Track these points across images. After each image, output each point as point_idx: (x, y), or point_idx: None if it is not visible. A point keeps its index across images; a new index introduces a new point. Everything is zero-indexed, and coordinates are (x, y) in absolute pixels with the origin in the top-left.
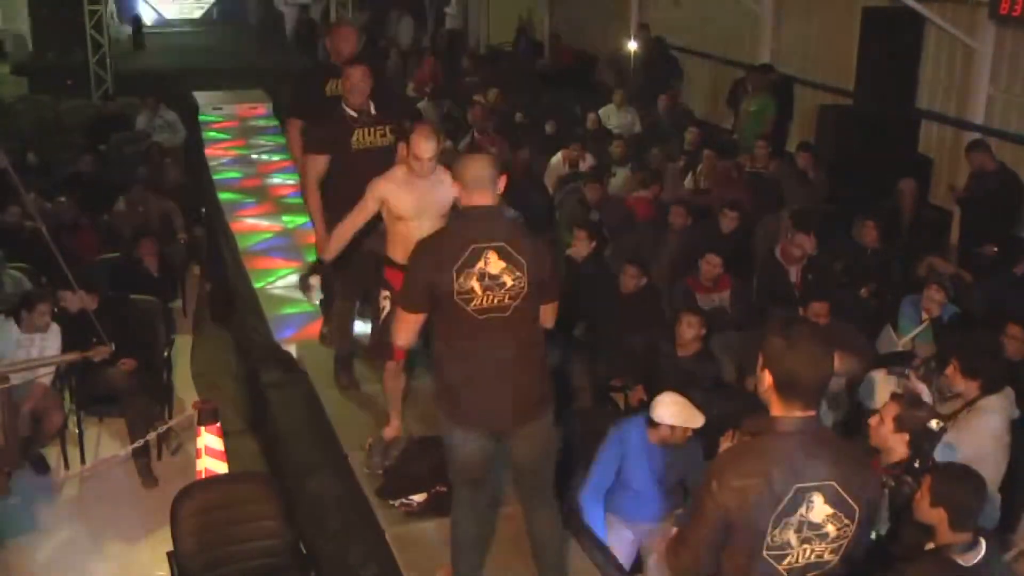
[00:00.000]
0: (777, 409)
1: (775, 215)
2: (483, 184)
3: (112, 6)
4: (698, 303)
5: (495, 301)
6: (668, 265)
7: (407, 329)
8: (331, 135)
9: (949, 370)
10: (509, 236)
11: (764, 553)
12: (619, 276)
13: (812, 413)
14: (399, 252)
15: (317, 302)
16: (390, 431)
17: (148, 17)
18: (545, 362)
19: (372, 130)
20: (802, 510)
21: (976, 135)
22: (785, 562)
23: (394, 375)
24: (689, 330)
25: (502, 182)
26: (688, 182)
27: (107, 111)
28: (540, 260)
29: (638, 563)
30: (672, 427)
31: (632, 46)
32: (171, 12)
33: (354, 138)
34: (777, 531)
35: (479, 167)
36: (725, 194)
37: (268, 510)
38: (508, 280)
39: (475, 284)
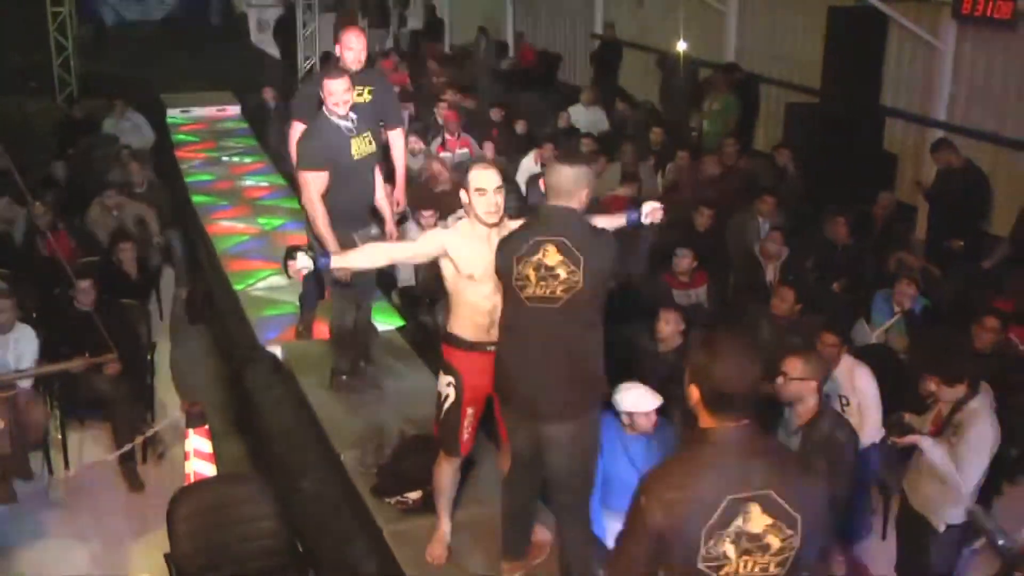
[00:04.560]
0: (707, 421)
1: (747, 211)
2: (567, 192)
3: (71, 7)
4: (675, 299)
5: (547, 292)
6: (644, 262)
7: None
8: (331, 149)
9: (932, 387)
10: (573, 233)
11: (699, 565)
12: None
13: (746, 421)
14: (465, 323)
15: (294, 273)
16: (437, 546)
17: (108, 18)
18: (593, 365)
19: (363, 139)
20: (738, 522)
21: (939, 132)
22: (722, 572)
23: (451, 470)
24: (667, 326)
25: (584, 195)
26: (658, 180)
27: (74, 114)
28: (600, 257)
29: None
30: (629, 414)
31: (682, 46)
32: (132, 13)
33: (353, 149)
34: (712, 543)
35: (566, 179)
36: (696, 192)
37: (264, 511)
38: (562, 273)
39: (531, 272)
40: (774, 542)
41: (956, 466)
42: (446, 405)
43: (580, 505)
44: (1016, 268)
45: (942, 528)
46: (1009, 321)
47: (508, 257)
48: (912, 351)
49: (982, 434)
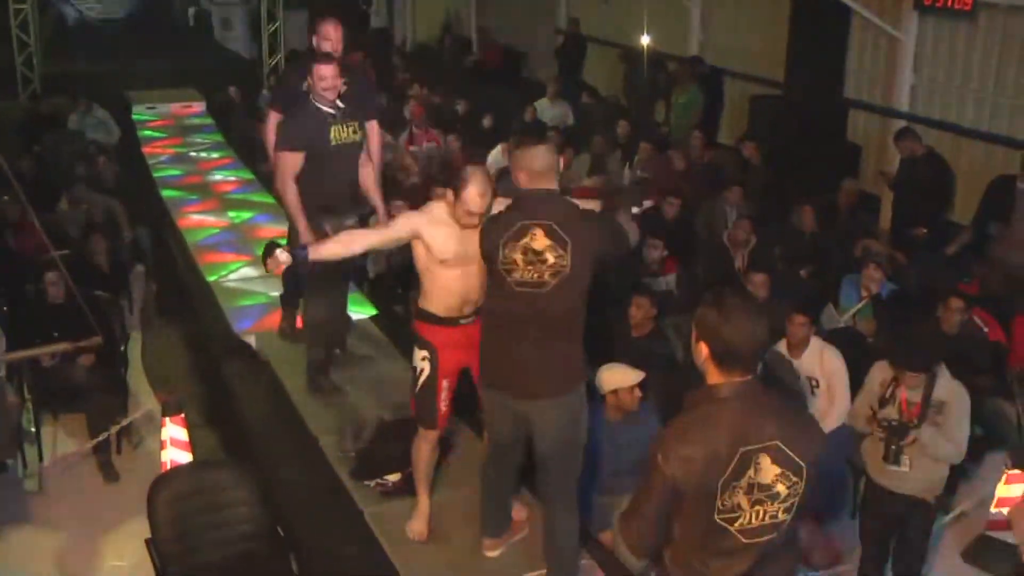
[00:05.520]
0: (715, 378)
1: (715, 201)
2: (547, 172)
3: (34, 4)
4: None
5: (535, 276)
6: None
7: None
8: (308, 131)
9: (911, 382)
10: (561, 217)
11: (715, 517)
12: None
13: (750, 377)
14: (437, 303)
15: (273, 268)
16: (419, 522)
17: (70, 16)
18: (576, 347)
19: (345, 126)
20: (750, 473)
21: (902, 123)
22: (737, 524)
23: (429, 446)
24: (639, 311)
25: (563, 161)
26: (625, 172)
27: (40, 112)
28: (587, 239)
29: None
30: (615, 392)
31: (645, 41)
32: (93, 11)
33: (332, 134)
34: (727, 495)
35: (545, 158)
36: (666, 183)
37: (243, 496)
38: (551, 257)
39: (518, 256)
40: (782, 490)
41: (950, 439)
42: (422, 379)
43: (567, 486)
44: (978, 254)
45: (932, 501)
46: (973, 304)
47: (494, 241)
48: (879, 335)
49: (963, 402)
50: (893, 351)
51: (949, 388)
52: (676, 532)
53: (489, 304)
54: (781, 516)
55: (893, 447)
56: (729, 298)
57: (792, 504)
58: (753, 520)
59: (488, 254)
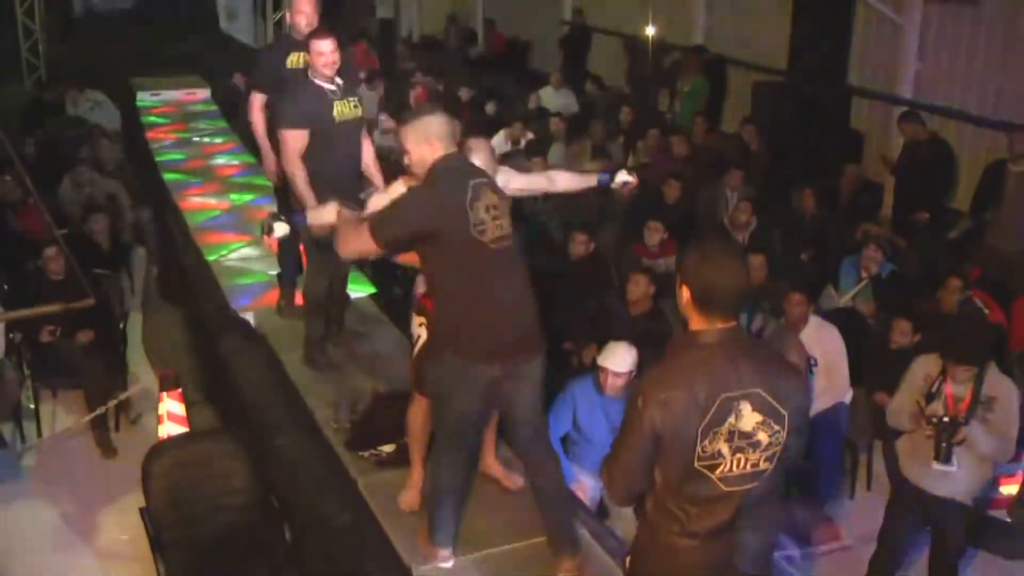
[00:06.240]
0: (697, 323)
1: (716, 184)
2: (453, 136)
3: None
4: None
5: (502, 231)
6: (616, 234)
7: (360, 251)
8: (311, 109)
9: (962, 375)
10: (487, 171)
11: (696, 464)
12: (568, 243)
13: (732, 323)
14: None
15: (271, 235)
16: (411, 493)
17: (77, 7)
18: None
19: (347, 102)
20: (731, 419)
21: (906, 109)
22: (718, 471)
23: (425, 414)
24: (637, 288)
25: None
26: (629, 159)
27: (45, 98)
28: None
29: (601, 510)
30: (615, 373)
31: (650, 31)
32: (99, 1)
33: (336, 111)
34: (707, 441)
35: (447, 122)
36: (666, 166)
37: (238, 466)
38: (503, 209)
39: (484, 215)
40: (763, 438)
41: (999, 436)
42: (418, 345)
43: (546, 433)
44: (978, 239)
45: (970, 503)
46: (973, 285)
47: (458, 210)
48: (879, 316)
49: (1013, 398)
50: (945, 343)
51: (998, 383)
52: (657, 479)
53: (459, 278)
54: (763, 465)
55: (944, 444)
56: (711, 242)
57: (774, 453)
58: (734, 468)
59: (449, 222)
